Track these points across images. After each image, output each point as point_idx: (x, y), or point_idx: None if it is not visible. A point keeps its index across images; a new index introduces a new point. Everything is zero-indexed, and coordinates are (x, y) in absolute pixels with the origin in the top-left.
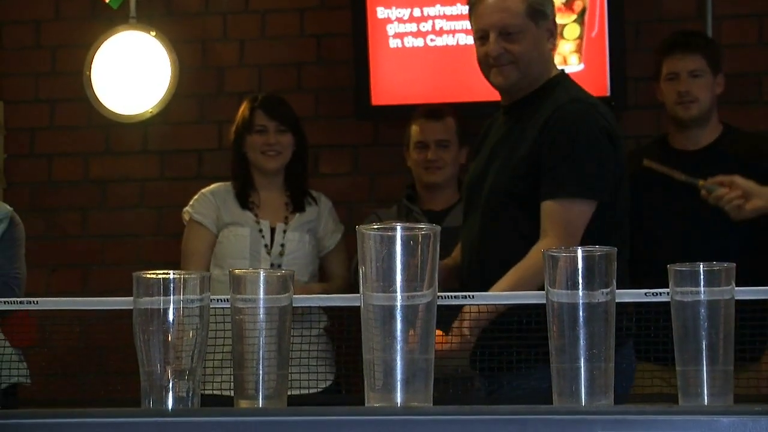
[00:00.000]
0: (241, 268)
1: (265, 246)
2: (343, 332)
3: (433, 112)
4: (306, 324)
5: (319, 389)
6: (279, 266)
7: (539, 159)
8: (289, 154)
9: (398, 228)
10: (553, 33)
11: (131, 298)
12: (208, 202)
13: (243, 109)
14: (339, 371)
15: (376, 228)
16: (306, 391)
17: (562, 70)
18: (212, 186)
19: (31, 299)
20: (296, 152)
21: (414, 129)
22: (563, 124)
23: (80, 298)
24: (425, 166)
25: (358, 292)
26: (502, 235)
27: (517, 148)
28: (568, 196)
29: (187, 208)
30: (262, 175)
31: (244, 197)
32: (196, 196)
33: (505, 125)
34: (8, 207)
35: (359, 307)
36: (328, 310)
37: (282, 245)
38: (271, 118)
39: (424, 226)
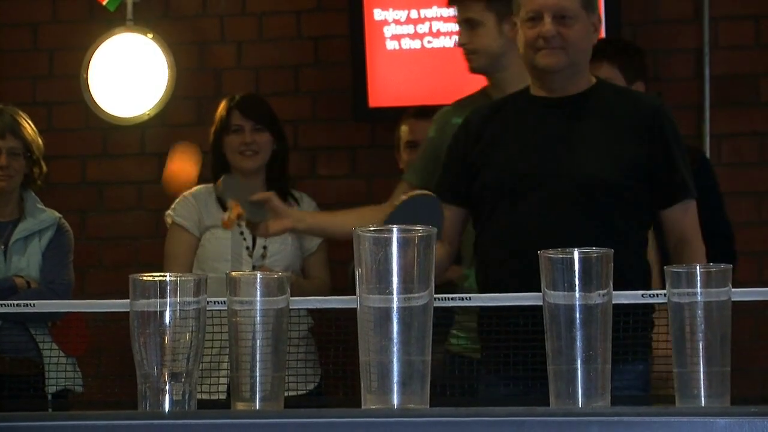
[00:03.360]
0: (223, 270)
1: (247, 248)
2: (331, 334)
3: (422, 111)
4: (292, 325)
5: (305, 391)
6: (260, 268)
7: (660, 159)
8: (268, 153)
9: (394, 230)
10: (597, 28)
11: (128, 301)
12: (189, 205)
13: (220, 109)
14: (326, 372)
15: (373, 230)
16: (294, 393)
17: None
18: (194, 188)
19: (28, 302)
20: (276, 152)
21: (403, 129)
22: (674, 124)
23: (78, 301)
24: None
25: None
26: (590, 222)
27: (611, 142)
28: (694, 197)
29: (169, 211)
30: (242, 176)
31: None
32: (177, 199)
33: (563, 117)
34: (57, 213)
35: (344, 309)
36: (313, 311)
37: (264, 247)
38: (247, 118)
39: (420, 228)
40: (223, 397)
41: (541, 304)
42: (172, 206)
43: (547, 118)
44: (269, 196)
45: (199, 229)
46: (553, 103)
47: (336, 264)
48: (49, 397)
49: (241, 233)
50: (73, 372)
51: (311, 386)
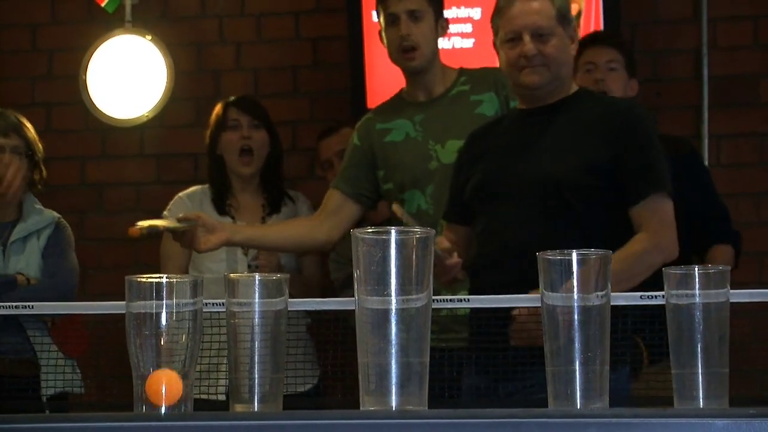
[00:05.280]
0: (218, 270)
1: (242, 248)
2: (329, 334)
3: (327, 129)
4: (290, 325)
5: (304, 389)
6: (256, 267)
7: (624, 157)
8: (265, 154)
9: (392, 231)
10: (574, 39)
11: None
12: (184, 205)
13: (216, 110)
14: (323, 372)
15: (371, 231)
16: (292, 391)
17: (582, 86)
18: (190, 189)
19: (27, 303)
20: (271, 153)
21: (318, 151)
22: (647, 124)
23: (77, 303)
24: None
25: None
26: (557, 223)
27: (578, 144)
28: (667, 194)
29: (164, 212)
30: (237, 178)
31: (221, 202)
32: (173, 200)
33: (531, 126)
34: (56, 214)
35: (339, 310)
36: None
37: None
38: (245, 113)
39: (418, 230)
40: (222, 398)
41: (540, 305)
42: (168, 207)
43: (524, 127)
44: (199, 215)
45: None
46: (532, 113)
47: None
48: (45, 399)
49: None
50: (72, 373)
51: (309, 386)
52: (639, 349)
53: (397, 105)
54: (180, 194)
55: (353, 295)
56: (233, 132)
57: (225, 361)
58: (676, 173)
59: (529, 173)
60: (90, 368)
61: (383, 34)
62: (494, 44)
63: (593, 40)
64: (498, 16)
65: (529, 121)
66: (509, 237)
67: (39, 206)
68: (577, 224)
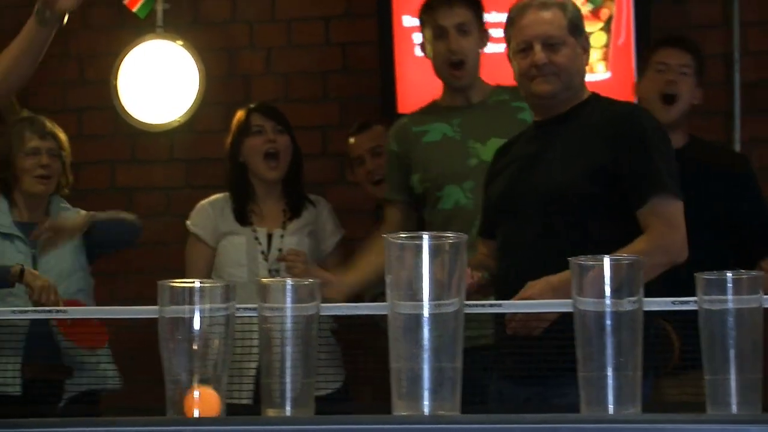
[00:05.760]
0: (239, 276)
1: (262, 252)
2: (351, 339)
3: (360, 125)
4: None
5: (328, 391)
6: (277, 271)
7: (624, 160)
8: (289, 158)
9: (425, 237)
10: (587, 49)
11: (157, 307)
12: (206, 213)
13: (238, 116)
14: (348, 374)
15: (404, 237)
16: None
17: (595, 92)
18: (212, 197)
19: (60, 308)
20: (293, 159)
21: (349, 147)
22: (648, 126)
23: (108, 307)
24: (370, 180)
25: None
26: (565, 234)
27: (582, 153)
28: (672, 195)
29: (188, 220)
30: (261, 183)
31: (242, 210)
32: (195, 208)
33: (545, 137)
34: (82, 211)
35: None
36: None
37: (279, 250)
38: (268, 118)
39: (451, 235)
40: (246, 402)
41: (572, 310)
42: (191, 214)
43: (538, 139)
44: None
45: (215, 238)
46: (544, 124)
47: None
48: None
49: (256, 238)
50: (104, 371)
51: (335, 386)
52: (670, 339)
53: (432, 110)
54: (202, 202)
55: (380, 294)
56: (257, 137)
57: (250, 365)
58: (728, 190)
59: (537, 186)
60: (121, 371)
61: (428, 46)
62: (507, 55)
63: (669, 41)
64: (510, 26)
65: (542, 131)
66: (518, 252)
67: (65, 205)
68: (584, 234)
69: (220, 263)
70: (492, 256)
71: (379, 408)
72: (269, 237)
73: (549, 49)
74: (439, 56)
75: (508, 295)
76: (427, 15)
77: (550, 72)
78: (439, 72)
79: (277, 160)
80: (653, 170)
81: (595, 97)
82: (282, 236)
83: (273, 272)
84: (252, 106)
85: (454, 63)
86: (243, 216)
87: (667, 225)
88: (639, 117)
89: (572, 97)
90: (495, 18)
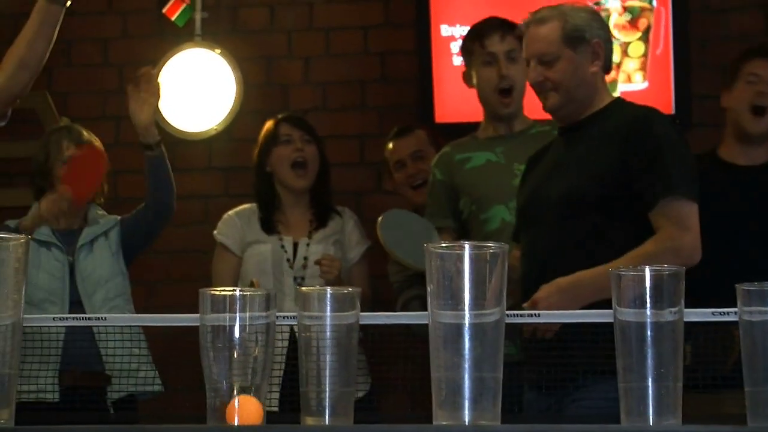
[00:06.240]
0: (264, 284)
1: (288, 260)
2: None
3: (402, 129)
4: None
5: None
6: (302, 279)
7: (635, 162)
8: (317, 168)
9: (466, 246)
10: (599, 55)
11: (197, 315)
12: (233, 224)
13: (267, 126)
14: (373, 382)
15: (445, 246)
16: None
17: (620, 97)
18: (239, 207)
19: (99, 315)
20: (321, 168)
21: (388, 151)
22: (660, 129)
23: (147, 315)
24: (410, 184)
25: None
26: (580, 239)
27: (591, 158)
28: (683, 197)
29: (215, 231)
30: (288, 193)
31: (268, 219)
32: (222, 219)
33: (565, 144)
34: (116, 216)
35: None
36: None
37: (305, 258)
38: (297, 128)
39: (492, 245)
40: (274, 409)
41: (611, 321)
42: (219, 225)
43: (559, 147)
44: None
45: (242, 248)
46: (564, 131)
47: (375, 278)
48: (110, 403)
49: (282, 246)
50: (144, 375)
51: (358, 397)
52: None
53: (473, 141)
54: (229, 213)
55: (413, 298)
56: (286, 146)
57: (275, 373)
58: None
59: (553, 191)
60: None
61: (473, 74)
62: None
63: (760, 51)
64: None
65: (565, 138)
66: (537, 256)
67: (101, 212)
68: (598, 237)
69: (246, 271)
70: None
71: (413, 417)
72: (295, 245)
73: (544, 66)
74: (489, 83)
75: (528, 299)
76: (475, 42)
77: (548, 88)
78: (486, 99)
79: (305, 170)
80: (664, 172)
81: (617, 102)
82: (308, 245)
83: (298, 280)
84: (281, 116)
85: (503, 89)
86: (269, 225)
87: (677, 226)
88: (651, 120)
89: (582, 107)
90: None
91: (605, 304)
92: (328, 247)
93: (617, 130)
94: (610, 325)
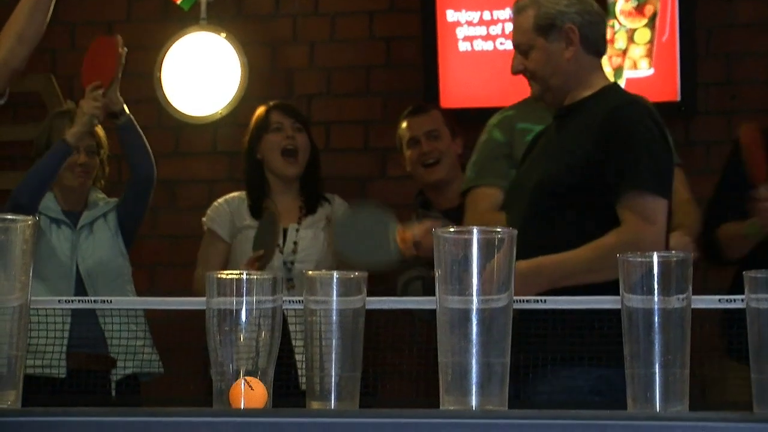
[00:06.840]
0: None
1: (278, 245)
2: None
3: (417, 108)
4: None
5: None
6: (292, 263)
7: (606, 154)
8: (307, 156)
9: (475, 231)
10: (572, 40)
11: (202, 299)
12: (222, 210)
13: (257, 114)
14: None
15: (453, 231)
16: None
17: (615, 83)
18: (228, 195)
19: (105, 298)
20: (311, 156)
21: (402, 129)
22: (633, 121)
23: (152, 298)
24: (422, 162)
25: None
26: (548, 227)
27: (570, 146)
28: (650, 191)
29: (204, 218)
30: (278, 180)
31: (257, 206)
32: (211, 206)
33: (556, 129)
34: (115, 199)
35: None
36: None
37: (295, 243)
38: (288, 116)
39: (500, 230)
40: None
41: (618, 307)
42: (208, 212)
43: (544, 133)
44: None
45: (231, 235)
46: (556, 116)
47: None
48: (115, 382)
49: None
50: (148, 356)
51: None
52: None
53: (534, 111)
54: (218, 200)
55: (413, 278)
56: (276, 134)
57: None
58: None
59: (532, 179)
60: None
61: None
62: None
63: None
64: None
65: (555, 123)
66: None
67: (102, 195)
68: (563, 225)
69: (235, 257)
70: None
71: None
72: (284, 231)
73: (523, 55)
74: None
75: None
76: None
77: (529, 77)
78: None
79: (295, 157)
80: (633, 165)
81: (608, 89)
82: (297, 230)
83: (288, 264)
84: (272, 103)
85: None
86: (258, 212)
87: (641, 220)
88: (629, 112)
89: (568, 92)
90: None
91: (565, 291)
92: (318, 232)
93: (595, 119)
94: (572, 312)
